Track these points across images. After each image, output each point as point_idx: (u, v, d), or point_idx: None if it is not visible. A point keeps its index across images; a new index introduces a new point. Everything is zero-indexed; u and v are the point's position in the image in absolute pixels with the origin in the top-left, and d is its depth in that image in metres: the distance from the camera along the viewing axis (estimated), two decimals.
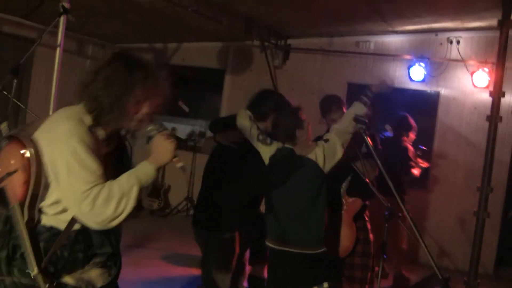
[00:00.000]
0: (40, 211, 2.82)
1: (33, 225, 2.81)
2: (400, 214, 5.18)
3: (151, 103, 2.92)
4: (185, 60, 11.23)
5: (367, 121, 4.40)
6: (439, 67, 9.36)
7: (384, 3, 7.77)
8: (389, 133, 9.46)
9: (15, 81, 5.78)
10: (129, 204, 2.77)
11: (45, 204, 2.81)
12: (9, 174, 2.76)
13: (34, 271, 2.74)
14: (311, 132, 4.65)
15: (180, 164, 2.93)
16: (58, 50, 6.00)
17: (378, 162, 3.98)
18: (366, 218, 5.74)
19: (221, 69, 11.00)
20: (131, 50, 9.43)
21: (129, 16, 9.06)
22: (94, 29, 10.47)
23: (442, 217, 9.19)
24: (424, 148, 8.10)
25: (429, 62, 9.29)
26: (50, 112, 5.95)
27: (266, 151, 4.67)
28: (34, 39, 8.91)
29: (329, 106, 5.51)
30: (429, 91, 9.56)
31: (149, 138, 2.94)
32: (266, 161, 4.66)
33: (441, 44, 9.41)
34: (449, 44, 9.30)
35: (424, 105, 9.59)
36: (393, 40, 9.76)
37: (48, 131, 2.82)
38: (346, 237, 5.38)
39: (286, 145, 4.57)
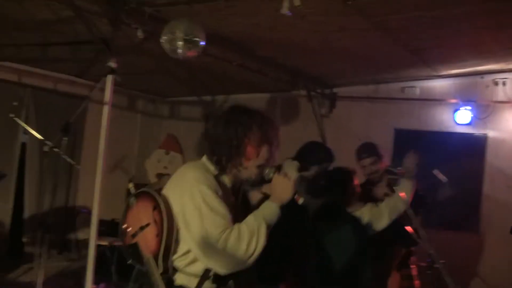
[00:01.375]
0: (173, 266, 2.94)
1: (167, 277, 2.92)
2: (443, 261, 5.16)
3: (269, 148, 3.05)
4: None
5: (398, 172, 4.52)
6: (486, 109, 9.30)
7: (429, 50, 7.84)
8: (442, 178, 9.40)
9: (64, 139, 5.98)
10: (260, 243, 2.84)
11: (176, 256, 2.92)
12: (142, 228, 2.93)
13: None
14: (358, 192, 4.74)
15: (301, 200, 3.04)
16: (106, 108, 6.15)
17: (411, 212, 3.99)
18: (412, 265, 5.72)
19: None
20: (181, 103, 9.71)
21: (177, 72, 9.30)
22: (144, 85, 10.75)
23: (495, 261, 9.04)
24: None
25: (475, 105, 9.27)
26: (100, 169, 6.10)
27: (312, 204, 4.74)
28: (87, 96, 9.24)
29: (359, 154, 5.61)
30: (476, 134, 9.51)
31: (267, 181, 3.11)
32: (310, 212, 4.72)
33: (487, 86, 9.37)
34: (495, 86, 9.26)
35: (471, 148, 9.53)
36: (438, 85, 9.76)
37: (176, 182, 3.00)
38: (389, 285, 5.40)
39: (333, 200, 4.64)
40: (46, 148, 6.27)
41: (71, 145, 10.13)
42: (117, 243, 8.04)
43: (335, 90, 10.47)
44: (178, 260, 2.93)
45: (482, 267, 9.09)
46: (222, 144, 2.98)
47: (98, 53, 7.16)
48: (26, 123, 9.23)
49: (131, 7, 6.06)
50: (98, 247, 7.74)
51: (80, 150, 10.43)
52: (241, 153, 2.98)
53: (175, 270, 2.94)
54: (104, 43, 6.08)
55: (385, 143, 9.72)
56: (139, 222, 2.96)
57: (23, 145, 9.70)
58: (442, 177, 9.51)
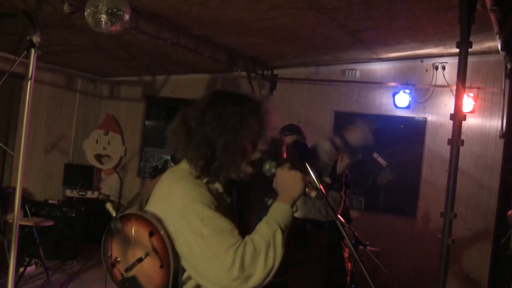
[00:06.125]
0: None
1: None
2: (367, 243, 5.13)
3: (264, 138, 2.64)
4: (174, 92, 11.23)
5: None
6: (425, 93, 9.33)
7: (365, 31, 7.76)
8: (382, 162, 9.44)
9: None
10: (278, 253, 2.43)
11: None
12: (140, 259, 2.52)
13: None
14: None
15: (314, 194, 2.66)
16: (29, 83, 5.90)
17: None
18: (343, 246, 5.66)
19: None
20: (121, 83, 9.48)
21: (115, 50, 9.09)
22: (83, 63, 10.51)
23: (431, 245, 9.07)
24: None
25: (414, 89, 9.28)
26: (22, 148, 5.87)
27: None
28: (23, 73, 8.95)
29: (282, 132, 5.69)
30: (416, 118, 9.52)
31: (270, 176, 2.69)
32: None
33: (426, 70, 9.40)
34: (435, 70, 9.28)
35: (412, 132, 9.55)
36: (378, 68, 9.75)
37: (161, 200, 2.56)
38: None
39: None
40: None
41: (5, 125, 9.88)
42: (44, 223, 7.87)
43: (275, 71, 10.39)
44: None
45: (418, 251, 9.12)
46: (211, 145, 2.52)
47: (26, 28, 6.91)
48: None
49: None
50: (25, 228, 7.58)
51: (15, 130, 10.15)
52: (237, 153, 2.54)
53: None
54: (26, 15, 5.84)
55: (325, 126, 9.71)
56: (133, 251, 2.53)
57: None
58: (381, 161, 9.58)
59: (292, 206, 2.59)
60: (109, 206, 2.72)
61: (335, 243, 5.53)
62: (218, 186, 2.63)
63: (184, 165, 2.62)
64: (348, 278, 5.58)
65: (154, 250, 2.47)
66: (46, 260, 7.79)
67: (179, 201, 2.47)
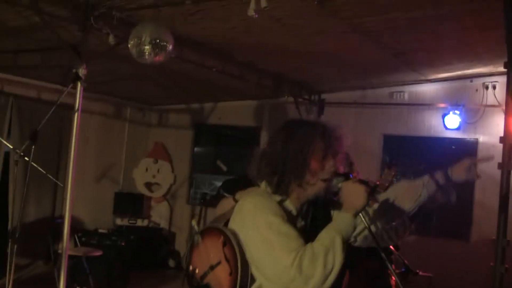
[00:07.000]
0: None
1: None
2: (418, 271, 4.98)
3: (334, 160, 2.73)
4: (222, 119, 11.28)
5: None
6: (475, 114, 9.14)
7: (411, 53, 7.67)
8: None
9: (33, 147, 5.67)
10: (337, 257, 2.51)
11: None
12: (212, 267, 2.73)
13: None
14: None
15: (376, 206, 2.82)
16: (76, 115, 5.94)
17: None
18: (390, 273, 5.51)
19: (257, 127, 10.97)
20: (169, 111, 9.56)
21: (160, 79, 9.17)
22: (131, 93, 10.63)
23: (485, 269, 8.82)
24: None
25: (464, 109, 9.10)
26: (70, 178, 5.92)
27: None
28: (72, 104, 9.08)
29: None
30: (467, 139, 9.33)
31: (336, 193, 2.77)
32: None
33: (476, 90, 9.21)
34: (485, 90, 9.09)
35: (463, 154, 9.33)
36: (427, 89, 9.61)
37: (235, 215, 2.75)
38: None
39: None
40: (16, 157, 5.99)
41: (56, 155, 10.01)
42: (93, 253, 7.91)
43: (323, 96, 10.32)
44: None
45: (471, 276, 8.87)
46: (283, 162, 2.69)
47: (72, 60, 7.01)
48: (8, 132, 9.15)
49: (100, 12, 5.91)
50: (74, 257, 7.63)
51: (66, 159, 10.28)
52: (306, 168, 2.68)
53: None
54: (73, 49, 5.91)
55: (374, 150, 9.58)
56: (208, 260, 2.76)
57: (7, 155, 9.55)
58: None
59: (354, 216, 2.63)
60: (194, 222, 3.19)
61: (381, 270, 5.39)
62: (291, 206, 2.75)
63: (260, 186, 2.81)
64: None
65: (226, 258, 2.68)
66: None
67: (250, 212, 2.67)
